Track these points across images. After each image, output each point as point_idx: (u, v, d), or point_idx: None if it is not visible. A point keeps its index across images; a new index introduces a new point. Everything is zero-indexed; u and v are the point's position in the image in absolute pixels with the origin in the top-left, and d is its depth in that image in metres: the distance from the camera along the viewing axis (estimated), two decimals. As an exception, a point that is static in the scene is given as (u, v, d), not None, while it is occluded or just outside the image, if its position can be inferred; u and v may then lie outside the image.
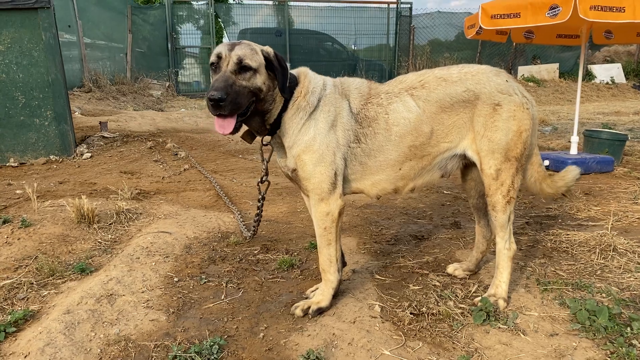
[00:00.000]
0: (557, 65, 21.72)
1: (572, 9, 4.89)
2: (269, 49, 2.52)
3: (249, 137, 2.76)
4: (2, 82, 6.28)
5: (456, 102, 2.64)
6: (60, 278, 3.34)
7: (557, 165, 6.10)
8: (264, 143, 2.75)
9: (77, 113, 11.11)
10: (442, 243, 3.89)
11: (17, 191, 5.17)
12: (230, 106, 2.31)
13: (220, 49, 2.42)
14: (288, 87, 2.55)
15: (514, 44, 19.05)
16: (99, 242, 3.98)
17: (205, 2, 20.07)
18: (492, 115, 2.62)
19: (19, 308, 2.93)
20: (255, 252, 3.79)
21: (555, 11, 5.05)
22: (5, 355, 2.46)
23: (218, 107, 2.29)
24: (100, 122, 8.04)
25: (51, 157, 6.64)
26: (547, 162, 6.21)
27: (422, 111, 2.64)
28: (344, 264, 3.10)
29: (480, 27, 6.03)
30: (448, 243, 3.89)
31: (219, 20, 19.97)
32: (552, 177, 2.98)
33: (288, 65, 2.61)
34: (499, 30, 6.71)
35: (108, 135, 7.37)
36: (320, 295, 2.85)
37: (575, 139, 6.38)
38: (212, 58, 2.42)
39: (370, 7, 21.26)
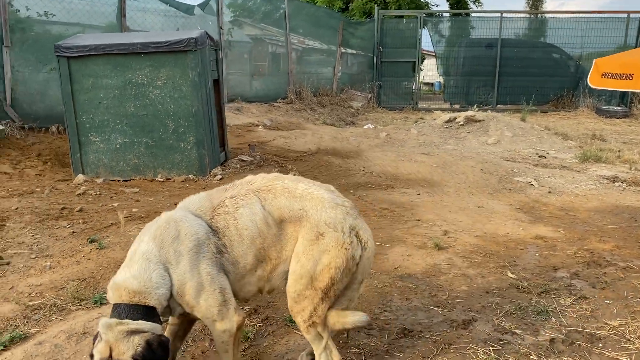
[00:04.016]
0: None
1: (688, 74, 3.79)
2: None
3: None
4: (158, 111, 7.57)
5: (293, 216, 2.70)
6: (77, 305, 4.05)
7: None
8: None
9: (260, 127, 12.44)
10: (420, 344, 3.51)
11: (133, 209, 6.25)
12: None
13: None
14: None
15: None
16: (141, 273, 4.63)
17: (416, 14, 20.15)
18: (313, 242, 2.63)
19: (25, 329, 3.69)
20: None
21: (671, 75, 3.96)
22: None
23: None
24: (249, 144, 9.01)
25: (190, 176, 7.75)
26: None
27: (268, 213, 2.72)
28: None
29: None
30: (428, 345, 3.48)
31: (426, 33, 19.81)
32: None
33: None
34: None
35: (246, 159, 8.22)
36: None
37: None
38: None
39: (604, 17, 18.58)
